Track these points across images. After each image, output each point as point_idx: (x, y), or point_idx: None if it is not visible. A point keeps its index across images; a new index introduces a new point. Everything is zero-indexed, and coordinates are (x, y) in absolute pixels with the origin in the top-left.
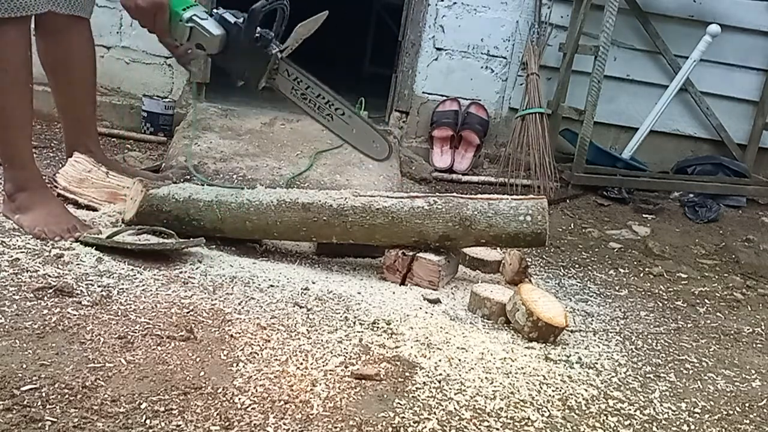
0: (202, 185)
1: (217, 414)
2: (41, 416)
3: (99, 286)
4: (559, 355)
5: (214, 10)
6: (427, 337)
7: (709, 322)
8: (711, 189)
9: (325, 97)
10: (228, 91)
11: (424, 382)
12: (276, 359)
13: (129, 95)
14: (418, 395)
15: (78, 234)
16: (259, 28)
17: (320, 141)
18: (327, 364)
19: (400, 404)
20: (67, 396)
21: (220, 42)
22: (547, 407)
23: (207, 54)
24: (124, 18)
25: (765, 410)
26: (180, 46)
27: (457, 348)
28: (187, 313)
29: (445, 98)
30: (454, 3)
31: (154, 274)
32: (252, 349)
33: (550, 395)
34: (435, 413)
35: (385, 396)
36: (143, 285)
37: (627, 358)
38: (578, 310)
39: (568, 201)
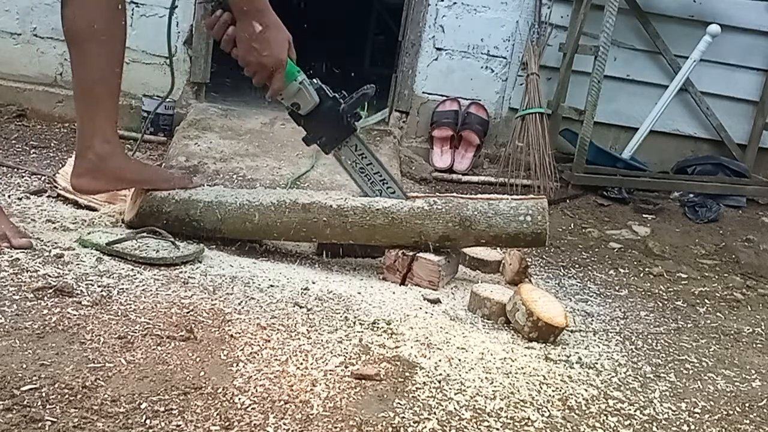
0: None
1: (217, 414)
2: (41, 416)
3: (99, 286)
4: (559, 355)
5: (314, 80)
6: (427, 337)
7: (709, 322)
8: (711, 189)
9: (382, 175)
10: (228, 91)
11: (424, 382)
12: (276, 359)
13: (129, 95)
14: (418, 395)
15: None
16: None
17: None
18: (327, 364)
19: (400, 404)
20: (67, 396)
21: (313, 107)
22: (547, 407)
23: (297, 112)
24: None
25: (765, 410)
26: (280, 99)
27: (457, 348)
28: (187, 313)
29: (445, 98)
30: (454, 3)
31: (154, 274)
32: (252, 349)
33: (550, 395)
34: (435, 413)
35: (385, 396)
36: (143, 285)
37: (627, 358)
38: (578, 310)
39: (568, 201)
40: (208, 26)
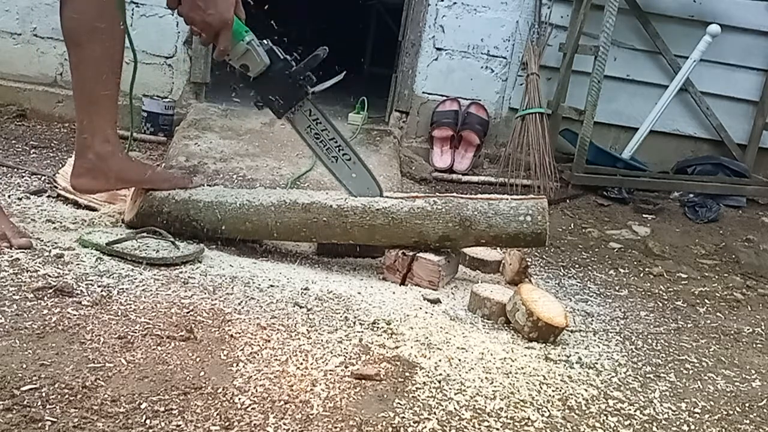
0: None
1: (217, 414)
2: (41, 416)
3: (99, 286)
4: (559, 355)
5: (265, 41)
6: (427, 337)
7: (709, 322)
8: (711, 189)
9: (337, 141)
10: (228, 91)
11: (424, 382)
12: (276, 359)
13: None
14: (418, 395)
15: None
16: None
17: None
18: (327, 364)
19: (400, 404)
20: (67, 396)
21: (263, 69)
22: (547, 407)
23: (246, 74)
24: None
25: (765, 410)
26: (228, 60)
27: (457, 348)
28: (187, 313)
29: (445, 98)
30: (454, 3)
31: (154, 274)
32: (252, 349)
33: (550, 395)
34: (435, 413)
35: (385, 396)
36: (143, 285)
37: (627, 358)
38: (578, 310)
39: (568, 201)
40: None
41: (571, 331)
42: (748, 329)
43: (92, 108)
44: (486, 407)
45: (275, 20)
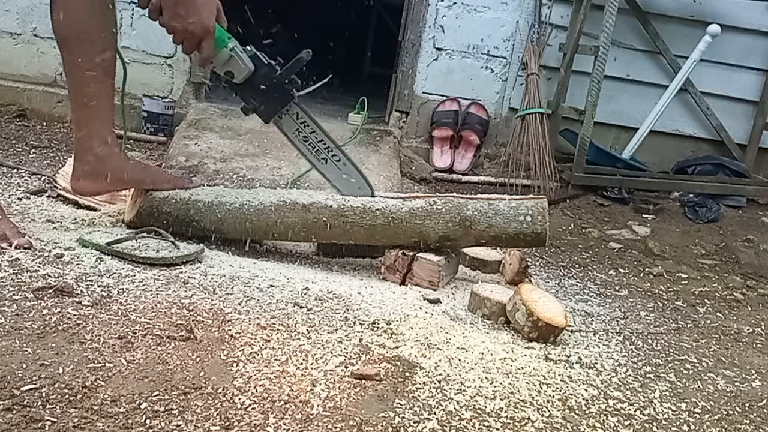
0: None
1: (217, 414)
2: (41, 416)
3: (99, 286)
4: (559, 355)
5: (248, 47)
6: (427, 337)
7: (709, 322)
8: (711, 189)
9: (326, 143)
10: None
11: (424, 382)
12: (276, 359)
13: (128, 95)
14: (418, 395)
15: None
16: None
17: None
18: (327, 364)
19: (400, 404)
20: (67, 396)
21: (248, 75)
22: (547, 407)
23: (231, 81)
24: (124, 18)
25: (765, 410)
26: (213, 68)
27: (457, 348)
28: (187, 313)
29: (445, 98)
30: (454, 3)
31: (154, 274)
32: (252, 349)
33: (550, 395)
34: (435, 413)
35: (385, 396)
36: (143, 285)
37: (627, 358)
38: (578, 310)
39: (568, 201)
40: None
41: (571, 331)
42: (748, 329)
43: (89, 110)
44: (486, 407)
45: (274, 21)
